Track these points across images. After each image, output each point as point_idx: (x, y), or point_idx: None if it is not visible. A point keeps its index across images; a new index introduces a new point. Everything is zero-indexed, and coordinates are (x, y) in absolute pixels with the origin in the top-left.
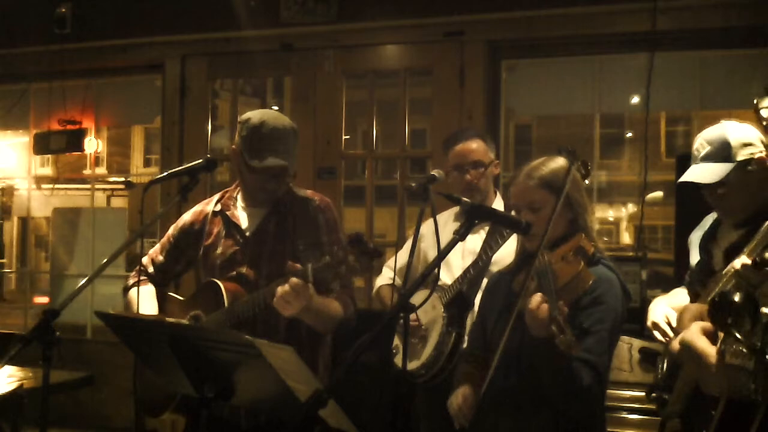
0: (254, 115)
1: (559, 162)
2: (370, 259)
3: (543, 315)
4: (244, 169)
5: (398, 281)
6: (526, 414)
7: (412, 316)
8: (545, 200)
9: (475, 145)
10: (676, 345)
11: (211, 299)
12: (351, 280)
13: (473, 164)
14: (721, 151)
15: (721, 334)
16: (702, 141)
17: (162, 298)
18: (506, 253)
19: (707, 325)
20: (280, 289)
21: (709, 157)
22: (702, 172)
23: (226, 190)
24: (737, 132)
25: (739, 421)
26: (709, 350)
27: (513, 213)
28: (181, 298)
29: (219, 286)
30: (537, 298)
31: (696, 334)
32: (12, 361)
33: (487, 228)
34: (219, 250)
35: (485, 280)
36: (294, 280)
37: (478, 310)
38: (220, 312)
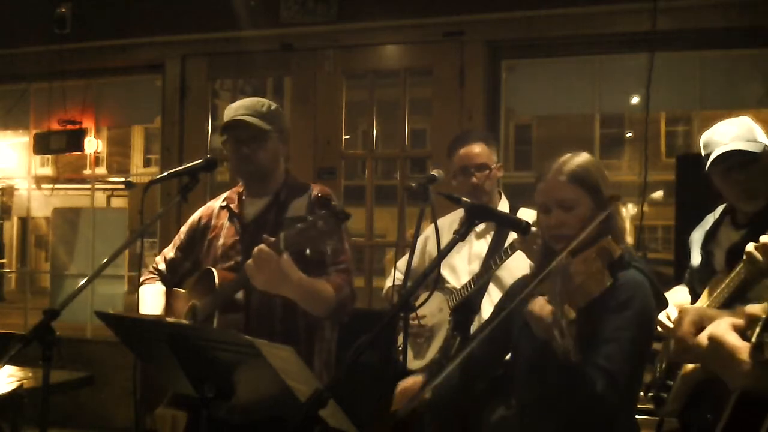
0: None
1: (585, 156)
2: (337, 220)
3: (545, 315)
4: (224, 147)
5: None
6: (546, 426)
7: (413, 317)
8: (578, 197)
9: (479, 149)
10: (703, 340)
11: (207, 287)
12: (348, 262)
13: (478, 167)
14: (748, 133)
15: (756, 329)
16: (725, 127)
17: (169, 295)
18: (516, 262)
19: (737, 320)
20: (250, 261)
21: (738, 138)
22: (740, 145)
23: (234, 187)
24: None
25: (752, 415)
26: (741, 345)
27: (539, 212)
28: (183, 291)
29: (212, 272)
30: (540, 300)
31: (726, 330)
32: (12, 361)
33: (492, 232)
34: (221, 241)
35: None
36: (260, 247)
37: (492, 316)
38: (210, 296)
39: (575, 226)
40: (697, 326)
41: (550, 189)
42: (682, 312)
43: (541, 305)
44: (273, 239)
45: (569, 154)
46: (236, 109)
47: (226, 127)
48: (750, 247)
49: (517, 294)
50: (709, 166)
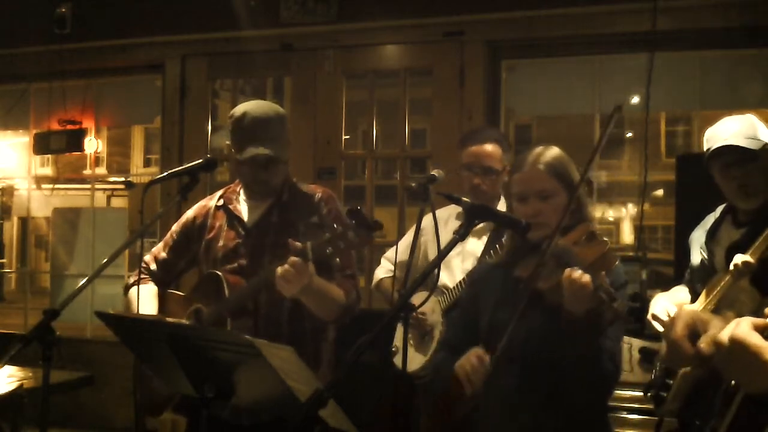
0: (238, 108)
1: (558, 149)
2: (369, 231)
3: (586, 283)
4: (236, 162)
5: (398, 274)
6: (541, 411)
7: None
8: (555, 188)
9: (491, 149)
10: (724, 338)
11: (213, 291)
12: (354, 268)
13: (485, 170)
14: (750, 130)
15: None
16: (728, 123)
17: (162, 296)
18: None
19: (758, 320)
20: (279, 269)
21: (739, 134)
22: (740, 141)
23: (229, 186)
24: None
25: (756, 417)
26: (765, 346)
27: (515, 201)
28: (181, 294)
29: (220, 277)
30: (572, 270)
31: (748, 331)
32: (12, 361)
33: (488, 233)
34: (221, 243)
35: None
36: (293, 258)
37: (462, 303)
38: (221, 302)
39: (551, 214)
40: (691, 330)
41: (528, 179)
42: (675, 315)
43: (578, 275)
44: (299, 245)
45: (542, 147)
46: (250, 130)
47: (246, 157)
48: (737, 260)
49: (482, 278)
50: (707, 160)
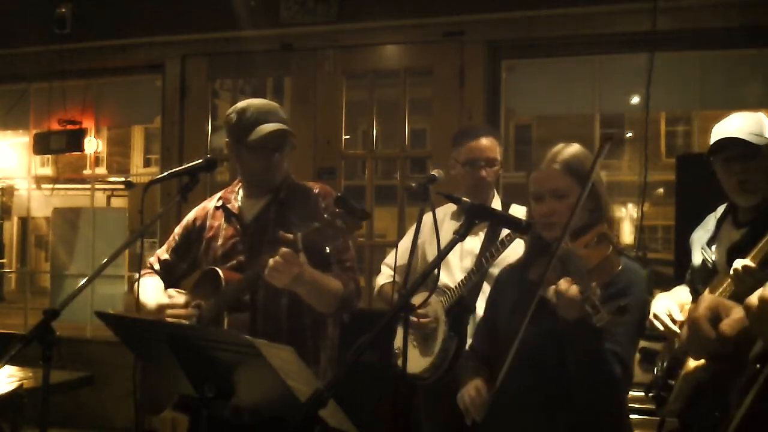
0: (238, 104)
1: (577, 147)
2: (356, 218)
3: (573, 295)
4: (242, 152)
5: (398, 279)
6: (547, 413)
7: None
8: (570, 187)
9: (489, 143)
10: (754, 300)
11: (211, 286)
12: (353, 261)
13: (488, 161)
14: (755, 126)
15: None
16: (734, 119)
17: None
18: (509, 257)
19: None
20: (270, 260)
21: (743, 129)
22: (743, 135)
23: (227, 187)
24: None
25: None
26: None
27: (531, 200)
28: (183, 292)
29: (217, 272)
30: (564, 281)
31: None
32: (12, 361)
33: (485, 229)
34: (219, 242)
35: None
36: (284, 249)
37: (486, 307)
38: (217, 296)
39: (566, 214)
40: (713, 312)
41: (543, 178)
42: (700, 298)
43: (566, 286)
44: (290, 236)
45: (561, 145)
46: (259, 114)
47: (268, 137)
48: (737, 264)
49: (506, 283)
50: (709, 153)
